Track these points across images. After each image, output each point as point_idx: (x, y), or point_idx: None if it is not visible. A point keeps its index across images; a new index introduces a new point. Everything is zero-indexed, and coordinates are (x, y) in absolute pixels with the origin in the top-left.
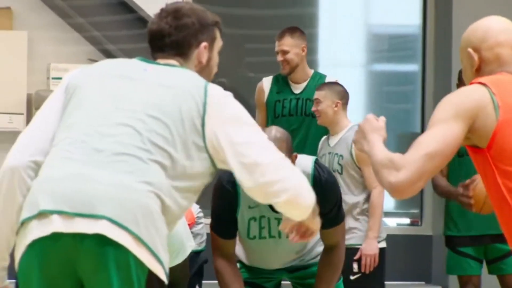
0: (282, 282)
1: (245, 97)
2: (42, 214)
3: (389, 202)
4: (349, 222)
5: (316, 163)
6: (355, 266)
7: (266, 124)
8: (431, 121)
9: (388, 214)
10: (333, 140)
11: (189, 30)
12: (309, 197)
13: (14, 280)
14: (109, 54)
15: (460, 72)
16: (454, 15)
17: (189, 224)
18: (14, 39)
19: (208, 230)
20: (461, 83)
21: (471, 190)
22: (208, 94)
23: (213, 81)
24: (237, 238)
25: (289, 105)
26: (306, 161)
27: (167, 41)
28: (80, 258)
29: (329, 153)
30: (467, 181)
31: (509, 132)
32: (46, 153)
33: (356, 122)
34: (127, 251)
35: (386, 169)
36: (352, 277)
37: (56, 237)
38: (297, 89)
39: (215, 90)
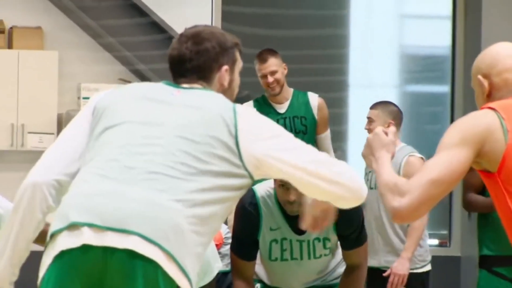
0: None
1: None
2: (73, 226)
3: None
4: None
5: None
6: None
7: None
8: (438, 146)
9: None
10: None
11: (210, 54)
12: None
13: None
14: (139, 74)
15: None
16: (483, 36)
17: (217, 245)
18: (45, 59)
19: None
20: None
21: None
22: (237, 112)
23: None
24: (259, 258)
25: None
26: None
27: (188, 66)
28: (108, 271)
29: None
30: None
31: None
32: (70, 174)
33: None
34: (157, 266)
35: (391, 193)
36: None
37: (85, 249)
38: (281, 108)
39: (243, 109)
